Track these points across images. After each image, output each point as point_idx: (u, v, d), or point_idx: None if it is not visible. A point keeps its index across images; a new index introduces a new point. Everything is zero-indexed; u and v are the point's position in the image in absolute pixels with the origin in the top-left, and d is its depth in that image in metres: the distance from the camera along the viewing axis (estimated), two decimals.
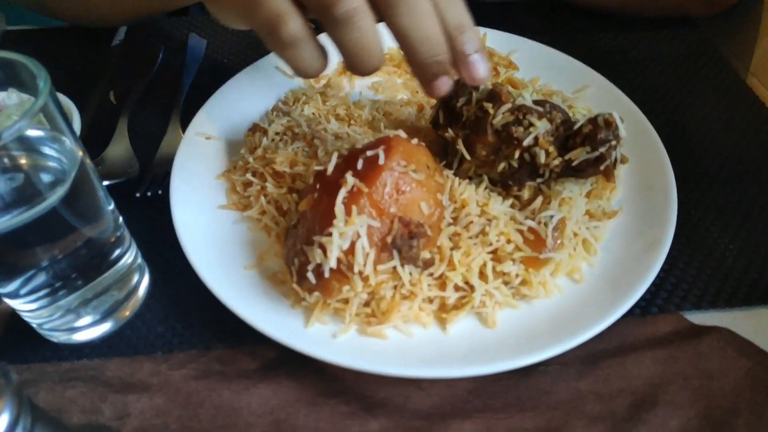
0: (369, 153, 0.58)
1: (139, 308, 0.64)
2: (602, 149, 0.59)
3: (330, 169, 0.59)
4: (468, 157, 0.64)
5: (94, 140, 0.79)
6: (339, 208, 0.55)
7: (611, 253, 0.64)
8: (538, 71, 0.86)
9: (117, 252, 0.61)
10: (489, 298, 0.59)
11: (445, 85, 0.56)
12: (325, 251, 0.54)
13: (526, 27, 0.90)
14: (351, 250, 0.54)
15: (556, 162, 0.61)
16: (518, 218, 0.63)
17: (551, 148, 0.61)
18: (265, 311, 0.59)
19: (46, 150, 0.55)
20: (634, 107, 0.77)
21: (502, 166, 0.63)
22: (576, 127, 0.61)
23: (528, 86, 0.82)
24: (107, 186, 0.71)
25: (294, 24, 0.51)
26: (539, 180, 0.64)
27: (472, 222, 0.62)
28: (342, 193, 0.56)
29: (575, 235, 0.64)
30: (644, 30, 1.00)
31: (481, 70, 0.56)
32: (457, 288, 0.59)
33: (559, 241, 0.61)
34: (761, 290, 0.64)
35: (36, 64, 0.51)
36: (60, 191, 0.53)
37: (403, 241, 0.56)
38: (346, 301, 0.58)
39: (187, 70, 0.89)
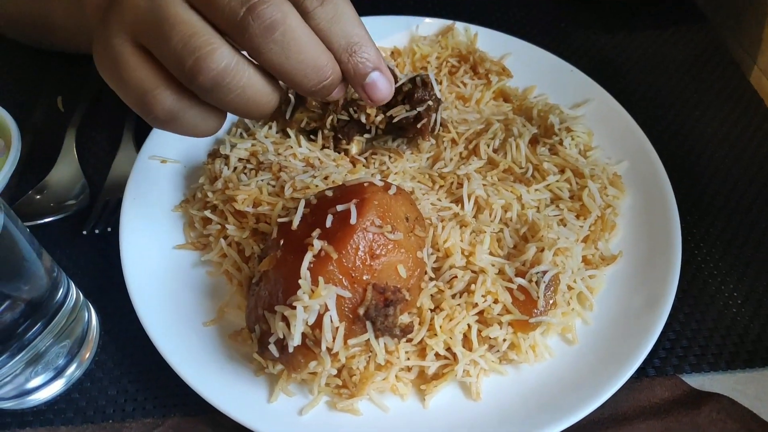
0: (339, 208, 0.50)
1: (95, 351, 0.58)
2: (420, 108, 0.63)
3: (295, 223, 0.52)
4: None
5: (37, 157, 0.71)
6: (304, 276, 0.48)
7: (608, 309, 0.59)
8: (534, 79, 0.77)
9: (57, 299, 0.54)
10: (473, 366, 0.54)
11: (338, 95, 0.49)
12: (288, 324, 0.48)
13: (523, 23, 0.81)
14: (318, 324, 0.48)
15: (380, 118, 0.64)
16: (507, 272, 0.56)
17: (370, 110, 0.64)
18: (223, 380, 0.53)
19: None
20: (638, 129, 0.70)
21: (330, 118, 0.65)
22: (397, 85, 0.62)
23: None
24: (51, 221, 0.64)
25: (164, 99, 0.43)
26: (367, 135, 0.67)
27: (455, 277, 0.56)
28: (308, 258, 0.49)
29: (570, 288, 0.58)
30: (650, 28, 0.90)
31: (381, 90, 0.49)
32: (438, 356, 0.54)
33: (552, 301, 0.55)
34: (765, 350, 0.59)
35: None
36: None
37: (378, 311, 0.50)
38: (314, 373, 0.52)
39: None
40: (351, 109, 0.65)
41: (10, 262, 0.49)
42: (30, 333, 0.52)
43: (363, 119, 0.65)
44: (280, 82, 0.46)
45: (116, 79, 0.45)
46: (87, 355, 0.59)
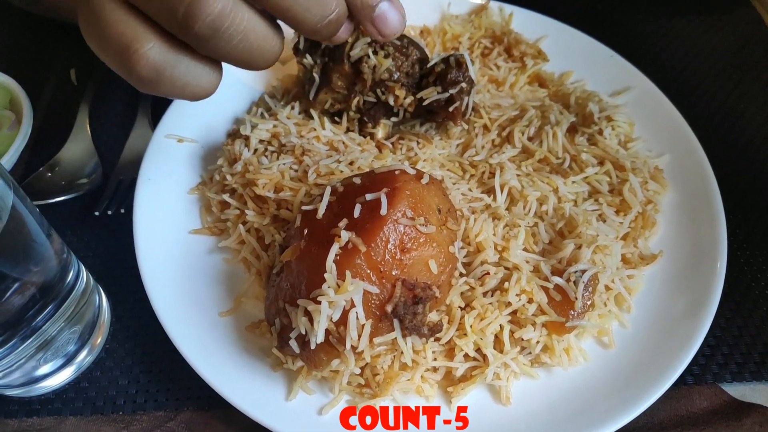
0: (369, 197, 0.47)
1: (106, 338, 0.56)
2: (452, 90, 0.59)
3: (321, 211, 0.49)
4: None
5: (49, 133, 0.68)
6: (330, 269, 0.45)
7: (647, 312, 0.55)
8: (571, 64, 0.73)
9: (67, 282, 0.52)
10: (504, 369, 0.51)
11: (344, 34, 0.45)
12: (311, 320, 0.45)
13: (561, 4, 0.76)
14: (343, 321, 0.45)
15: (409, 101, 0.61)
16: (543, 270, 0.53)
17: (399, 91, 0.60)
18: (240, 375, 0.50)
19: None
20: (682, 121, 0.66)
21: (356, 100, 0.62)
22: (429, 65, 0.60)
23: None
24: (62, 201, 0.61)
25: (150, 52, 0.38)
26: (394, 119, 0.63)
27: (488, 273, 0.52)
28: (334, 250, 0.45)
29: (607, 289, 0.54)
30: (694, 13, 0.85)
31: (392, 23, 0.44)
32: (467, 357, 0.51)
33: (590, 302, 0.52)
34: None
35: None
36: None
37: (407, 309, 0.46)
38: (336, 371, 0.49)
39: None
40: (378, 90, 0.61)
41: (19, 243, 0.46)
42: (40, 317, 0.50)
43: (391, 101, 0.61)
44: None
45: (97, 38, 0.40)
46: (98, 341, 0.56)
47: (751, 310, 0.59)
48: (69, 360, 0.54)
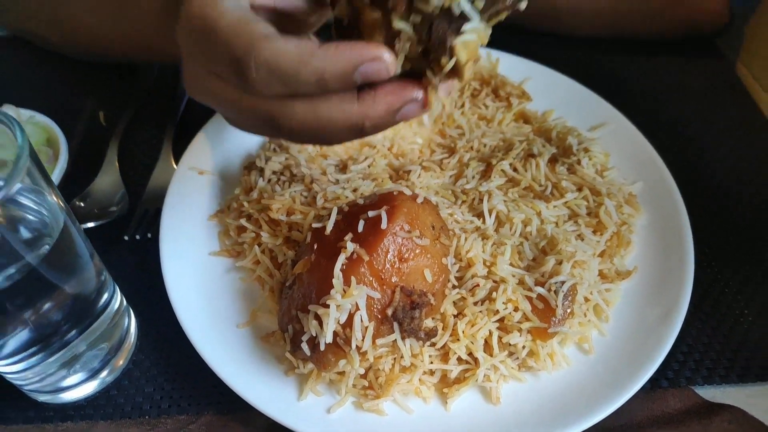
0: (371, 213, 0.54)
1: (130, 358, 0.61)
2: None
3: (329, 228, 0.55)
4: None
5: (81, 167, 0.75)
6: (337, 276, 0.51)
7: (623, 321, 0.61)
8: (552, 103, 0.81)
9: (102, 301, 0.58)
10: (494, 371, 0.56)
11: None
12: (321, 323, 0.51)
13: (540, 50, 0.85)
14: (349, 323, 0.51)
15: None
16: (527, 282, 0.59)
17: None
18: (256, 379, 0.56)
19: (23, 200, 0.51)
20: (653, 153, 0.73)
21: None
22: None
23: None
24: (93, 227, 0.67)
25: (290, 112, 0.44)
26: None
27: (478, 285, 0.59)
28: (341, 260, 0.52)
29: (586, 300, 0.60)
30: (665, 55, 0.94)
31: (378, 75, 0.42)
32: (460, 360, 0.56)
33: (569, 310, 0.58)
34: None
35: (9, 118, 0.47)
36: (41, 252, 0.49)
37: (405, 313, 0.53)
38: (342, 373, 0.55)
39: (182, 90, 0.84)
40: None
41: (66, 260, 0.52)
42: (72, 333, 0.55)
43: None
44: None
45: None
46: (120, 362, 0.61)
47: (719, 320, 0.64)
48: (93, 375, 0.59)
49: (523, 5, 0.42)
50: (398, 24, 0.40)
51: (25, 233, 0.51)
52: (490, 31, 0.42)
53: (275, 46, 0.41)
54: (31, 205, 0.51)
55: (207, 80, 0.46)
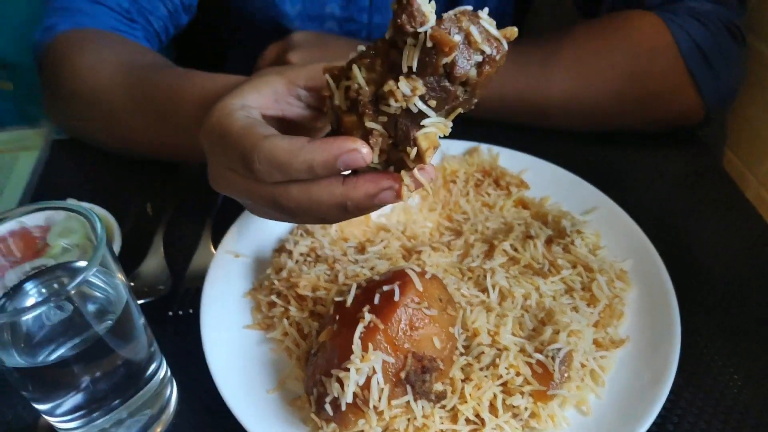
0: (385, 288, 0.62)
1: (169, 424, 0.67)
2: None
3: (349, 301, 0.64)
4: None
5: (130, 252, 0.85)
6: (356, 343, 0.59)
7: (618, 385, 0.67)
8: (548, 190, 0.90)
9: (150, 370, 0.65)
10: (499, 431, 0.62)
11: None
12: (342, 385, 0.58)
13: (536, 144, 0.95)
14: (367, 385, 0.58)
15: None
16: (527, 349, 0.66)
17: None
18: None
19: (93, 279, 0.60)
20: (641, 233, 0.81)
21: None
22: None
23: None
24: (142, 304, 0.76)
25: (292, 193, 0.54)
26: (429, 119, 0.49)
27: (483, 352, 0.65)
28: (359, 329, 0.60)
29: (583, 366, 0.66)
30: (651, 145, 1.04)
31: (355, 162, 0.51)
32: (468, 421, 0.62)
33: (566, 374, 0.64)
34: (765, 425, 0.65)
35: (87, 211, 0.57)
36: (107, 324, 0.57)
37: (417, 376, 0.59)
38: (361, 430, 0.61)
39: None
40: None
41: (127, 331, 0.60)
42: (118, 400, 0.61)
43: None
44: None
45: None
46: (159, 429, 0.66)
47: (711, 385, 0.70)
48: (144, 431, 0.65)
49: (474, 103, 0.51)
50: (369, 124, 0.50)
51: (91, 308, 0.59)
52: (451, 123, 0.51)
53: (273, 142, 0.52)
54: (99, 283, 0.60)
55: (225, 174, 0.57)
